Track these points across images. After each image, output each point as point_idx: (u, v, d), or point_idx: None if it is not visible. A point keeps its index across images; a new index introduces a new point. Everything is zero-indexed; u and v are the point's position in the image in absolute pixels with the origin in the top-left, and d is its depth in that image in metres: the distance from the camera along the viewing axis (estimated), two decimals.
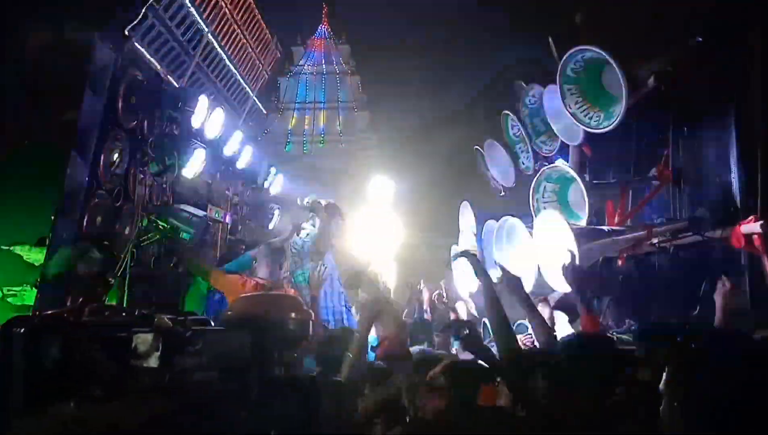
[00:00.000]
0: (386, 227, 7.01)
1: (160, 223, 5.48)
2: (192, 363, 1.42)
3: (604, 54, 4.33)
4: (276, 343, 1.66)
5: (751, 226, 3.94)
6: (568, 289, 4.62)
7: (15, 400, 1.41)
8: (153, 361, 1.37)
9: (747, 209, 4.25)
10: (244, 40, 9.01)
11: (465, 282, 5.85)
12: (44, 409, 1.39)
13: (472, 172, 7.04)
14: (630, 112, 4.36)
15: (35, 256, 4.55)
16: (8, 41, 4.78)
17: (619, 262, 5.10)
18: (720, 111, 4.67)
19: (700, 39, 4.42)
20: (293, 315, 1.84)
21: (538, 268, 4.80)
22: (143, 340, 1.37)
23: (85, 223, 4.86)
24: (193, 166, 6.04)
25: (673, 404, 1.34)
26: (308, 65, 16.81)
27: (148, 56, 6.02)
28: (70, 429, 1.35)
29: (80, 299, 2.79)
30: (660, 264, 5.02)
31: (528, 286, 5.05)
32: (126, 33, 5.31)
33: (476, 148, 6.72)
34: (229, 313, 1.96)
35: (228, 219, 7.69)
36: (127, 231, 5.39)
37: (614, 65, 4.27)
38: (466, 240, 5.99)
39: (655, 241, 4.74)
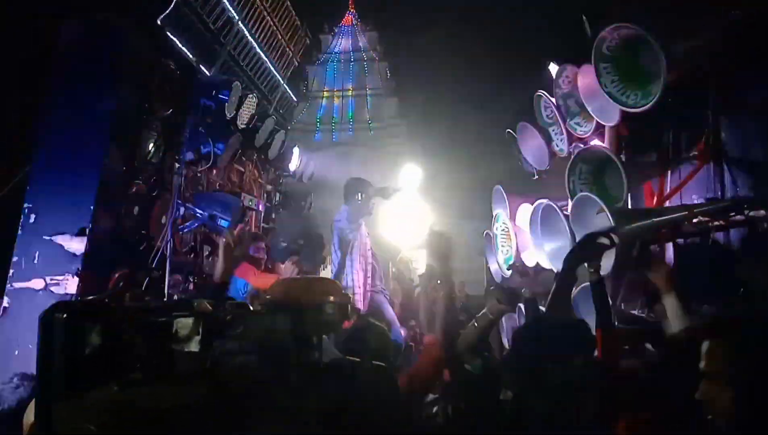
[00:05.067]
0: (416, 214, 6.98)
1: (197, 211, 5.56)
2: (232, 347, 1.43)
3: (641, 30, 4.20)
4: (315, 327, 1.66)
5: None
6: (603, 273, 4.54)
7: (57, 385, 1.43)
8: (193, 346, 1.38)
9: None
10: (274, 28, 9.02)
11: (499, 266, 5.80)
12: (86, 393, 1.41)
13: (505, 156, 6.94)
14: (669, 90, 4.23)
15: (76, 245, 4.66)
16: (42, 30, 4.86)
17: (658, 245, 4.97)
18: (763, 87, 4.50)
19: (739, 13, 4.25)
20: (332, 298, 1.83)
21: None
22: (184, 324, 1.38)
23: (123, 213, 4.97)
24: (227, 154, 6.10)
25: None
26: (336, 52, 16.77)
27: (180, 45, 6.06)
28: (112, 413, 1.37)
29: (121, 284, 2.85)
30: (702, 246, 4.89)
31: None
32: (158, 22, 5.36)
33: (508, 132, 6.61)
34: (267, 296, 1.96)
35: (261, 207, 7.78)
36: (163, 220, 5.48)
37: (652, 42, 4.13)
38: (500, 225, 5.92)
39: (696, 221, 4.61)
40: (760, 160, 4.49)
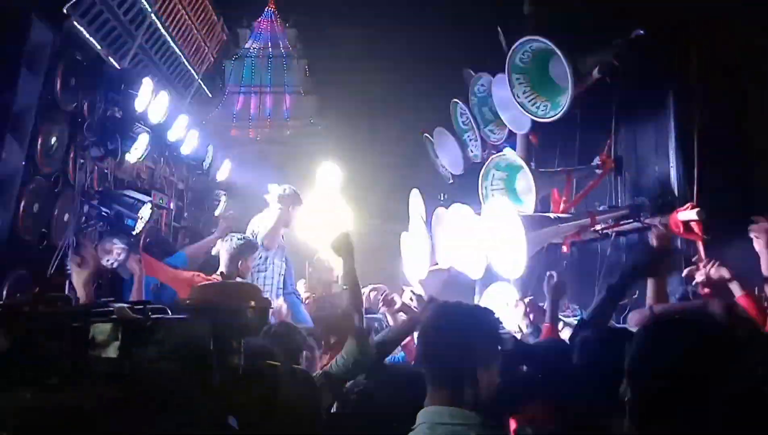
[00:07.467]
0: (335, 215, 6.98)
1: (102, 209, 5.31)
2: (153, 352, 1.39)
3: (551, 45, 4.44)
4: (235, 331, 1.64)
5: (688, 213, 4.15)
6: (514, 276, 4.75)
7: None
8: (112, 352, 1.34)
9: (684, 197, 4.47)
10: (190, 22, 8.74)
11: (415, 268, 5.91)
12: None
13: (422, 160, 7.09)
14: (575, 102, 4.49)
15: None
16: None
17: (564, 249, 5.26)
18: (659, 102, 4.87)
19: (642, 32, 4.58)
20: (252, 303, 1.82)
21: (486, 256, 4.91)
22: (102, 330, 1.33)
23: (21, 210, 4.67)
24: (137, 150, 5.85)
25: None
26: (254, 48, 16.44)
27: (88, 36, 5.75)
28: (26, 418, 1.30)
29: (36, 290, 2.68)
30: (602, 249, 5.21)
31: (478, 274, 5.16)
32: (65, 11, 5.07)
33: (425, 136, 6.76)
34: (187, 301, 1.91)
35: (172, 205, 7.52)
36: (66, 218, 5.19)
37: (561, 56, 4.38)
38: (416, 228, 6.05)
39: (598, 227, 4.92)
40: (656, 170, 4.86)
